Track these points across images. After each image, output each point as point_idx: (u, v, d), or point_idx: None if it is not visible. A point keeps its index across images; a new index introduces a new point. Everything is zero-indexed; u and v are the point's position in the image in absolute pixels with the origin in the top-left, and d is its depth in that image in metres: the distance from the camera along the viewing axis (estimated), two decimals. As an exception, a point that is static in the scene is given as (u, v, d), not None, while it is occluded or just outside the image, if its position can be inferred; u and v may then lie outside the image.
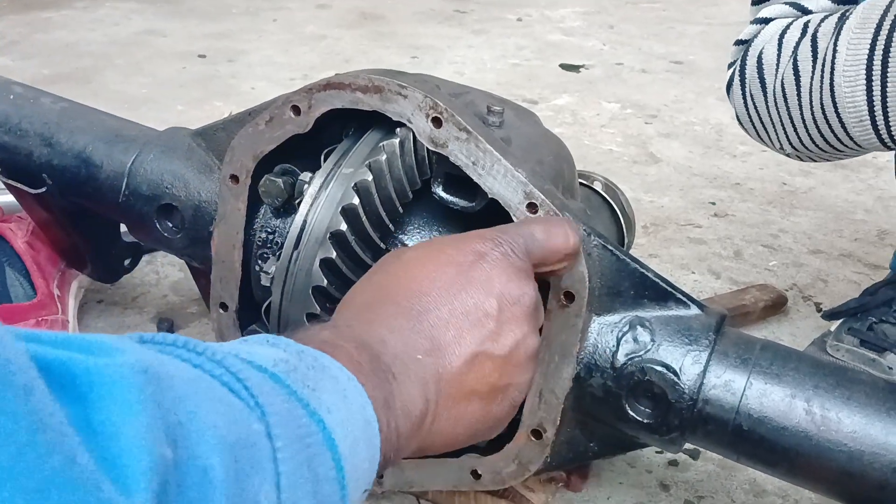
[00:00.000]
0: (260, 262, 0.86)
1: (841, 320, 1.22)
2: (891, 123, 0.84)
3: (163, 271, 1.35)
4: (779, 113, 0.95)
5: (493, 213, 0.76)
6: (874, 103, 0.83)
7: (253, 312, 0.88)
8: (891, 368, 1.13)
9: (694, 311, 0.77)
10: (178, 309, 1.26)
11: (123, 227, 1.07)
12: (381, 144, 0.78)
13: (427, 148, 0.77)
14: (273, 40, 2.66)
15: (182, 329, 1.21)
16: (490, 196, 0.75)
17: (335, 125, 0.83)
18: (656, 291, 0.77)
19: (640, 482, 0.99)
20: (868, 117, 0.85)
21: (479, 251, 0.63)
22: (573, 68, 2.52)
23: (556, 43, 2.76)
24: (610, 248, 0.76)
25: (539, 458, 0.80)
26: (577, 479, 0.96)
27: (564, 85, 2.37)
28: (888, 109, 0.83)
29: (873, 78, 0.83)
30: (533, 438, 0.79)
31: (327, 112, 0.79)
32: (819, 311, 1.34)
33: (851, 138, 0.89)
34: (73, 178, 0.99)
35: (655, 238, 1.55)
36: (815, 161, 1.00)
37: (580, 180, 1.05)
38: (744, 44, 1.01)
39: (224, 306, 0.89)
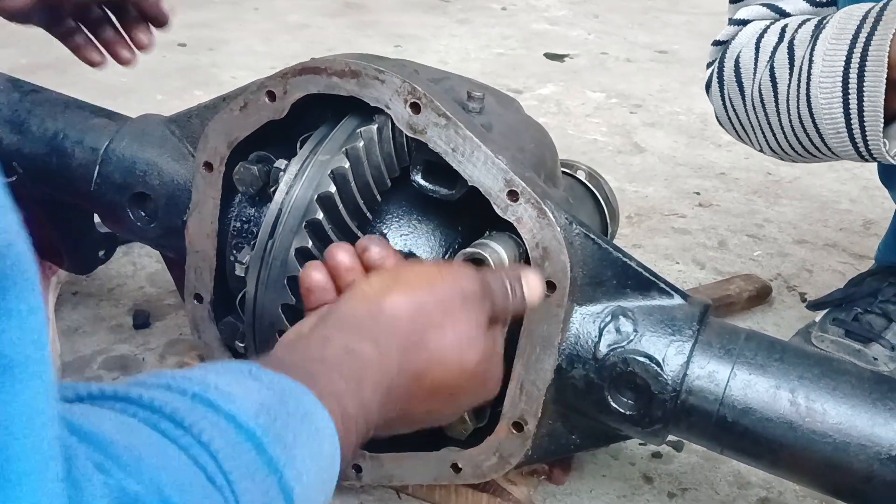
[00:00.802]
0: (235, 251, 0.84)
1: (826, 311, 1.21)
2: (868, 138, 0.81)
3: (139, 262, 1.33)
4: (757, 118, 0.93)
5: (473, 202, 0.75)
6: (851, 116, 0.81)
7: (228, 303, 0.86)
8: (876, 359, 1.12)
9: (677, 300, 0.76)
10: (155, 301, 1.24)
11: (98, 217, 1.04)
12: (358, 131, 0.76)
13: (406, 134, 0.75)
14: (255, 29, 2.62)
15: (159, 321, 1.19)
16: (470, 184, 0.74)
17: (312, 111, 0.81)
18: (639, 281, 0.75)
19: (624, 474, 0.98)
20: (845, 130, 0.82)
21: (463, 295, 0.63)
22: (558, 58, 2.50)
23: (541, 32, 2.74)
24: (592, 237, 0.75)
25: (520, 451, 0.78)
26: (559, 471, 0.95)
27: (549, 74, 2.35)
28: (865, 123, 0.80)
29: (850, 91, 0.80)
30: (514, 431, 0.77)
31: (303, 98, 0.78)
32: (804, 301, 1.33)
33: (829, 148, 0.86)
34: (43, 167, 0.97)
35: (639, 228, 1.54)
36: (797, 162, 0.98)
37: (564, 169, 1.04)
38: (721, 44, 1.00)
39: (199, 297, 0.87)
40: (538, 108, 2.08)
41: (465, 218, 0.81)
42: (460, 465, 0.81)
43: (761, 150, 0.98)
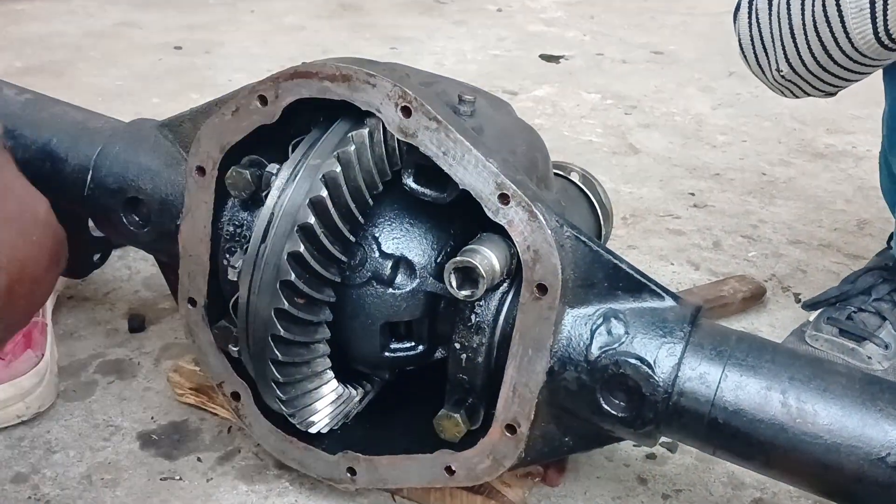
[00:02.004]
0: (227, 255, 0.84)
1: (820, 310, 1.21)
2: (889, 9, 0.84)
3: (135, 266, 1.33)
4: (780, 24, 0.97)
5: (464, 205, 0.75)
6: None
7: (222, 307, 0.86)
8: (870, 358, 1.12)
9: (669, 302, 0.76)
10: (150, 304, 1.24)
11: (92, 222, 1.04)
12: (349, 135, 0.76)
13: (397, 138, 0.75)
14: (251, 31, 2.63)
15: (154, 325, 1.19)
16: (461, 187, 0.74)
17: (303, 115, 0.81)
18: (630, 283, 0.75)
19: (618, 476, 0.98)
20: (868, 4, 0.86)
21: None
22: (554, 59, 2.51)
23: (537, 33, 2.74)
24: (583, 239, 0.75)
25: (513, 454, 0.78)
26: (553, 473, 0.95)
27: (545, 76, 2.36)
28: None
29: None
30: (507, 433, 0.78)
31: (295, 102, 0.78)
32: (798, 301, 1.33)
33: (849, 38, 0.90)
34: (37, 172, 0.96)
35: (634, 229, 1.54)
36: (807, 92, 1.02)
37: (557, 171, 1.04)
38: None
39: (193, 301, 0.87)
40: (534, 110, 2.08)
41: (456, 221, 0.81)
42: (454, 468, 0.81)
43: (778, 70, 1.02)
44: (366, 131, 0.75)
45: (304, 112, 0.79)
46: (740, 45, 1.07)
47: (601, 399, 0.75)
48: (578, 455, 0.98)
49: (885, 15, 0.86)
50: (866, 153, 1.86)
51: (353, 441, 0.87)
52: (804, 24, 0.94)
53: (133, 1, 2.86)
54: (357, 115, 0.77)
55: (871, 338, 1.14)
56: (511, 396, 0.76)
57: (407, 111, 0.74)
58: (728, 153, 1.88)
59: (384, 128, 0.75)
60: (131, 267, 1.33)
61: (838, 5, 0.89)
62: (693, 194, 1.69)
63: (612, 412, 0.75)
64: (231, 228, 0.84)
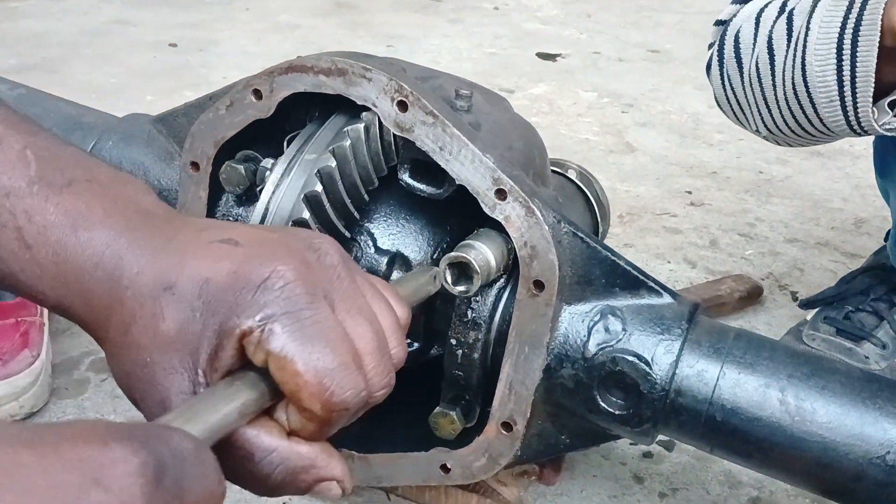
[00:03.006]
0: (222, 252, 0.83)
1: (817, 309, 1.21)
2: (859, 105, 0.81)
3: (129, 263, 1.32)
4: (753, 93, 0.93)
5: (461, 200, 0.74)
6: (844, 83, 0.81)
7: (216, 304, 0.86)
8: (867, 357, 1.12)
9: (666, 299, 0.75)
10: (144, 301, 1.23)
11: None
12: (345, 129, 0.75)
13: (393, 133, 0.75)
14: (246, 29, 2.62)
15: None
16: (458, 182, 0.73)
17: (298, 110, 0.80)
18: (628, 280, 0.75)
19: (614, 474, 0.98)
20: (838, 98, 0.82)
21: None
22: (550, 57, 2.50)
23: (533, 32, 2.74)
24: (580, 235, 0.74)
25: (509, 452, 0.78)
26: (550, 472, 0.95)
27: (541, 74, 2.35)
28: (856, 89, 0.81)
29: (843, 57, 0.80)
30: (503, 431, 0.77)
31: (290, 96, 0.77)
32: (795, 300, 1.33)
33: (822, 120, 0.86)
34: (29, 167, 0.96)
35: (631, 227, 1.54)
36: (792, 146, 0.99)
37: (554, 168, 1.03)
38: (723, 24, 1.00)
39: (186, 298, 0.86)
40: (530, 108, 2.07)
41: (453, 216, 0.80)
42: (450, 466, 0.80)
43: (757, 131, 0.99)
44: (361, 126, 0.75)
45: (299, 106, 0.79)
46: (716, 99, 1.04)
47: (598, 397, 0.74)
48: (575, 453, 0.97)
49: (855, 112, 0.82)
50: (863, 152, 1.86)
51: (348, 439, 0.86)
52: (777, 100, 0.90)
53: (128, -2, 2.85)
54: (353, 110, 0.76)
55: (869, 337, 1.13)
56: (507, 394, 0.76)
57: (403, 105, 0.73)
58: (725, 151, 1.87)
59: (380, 122, 0.75)
60: (125, 264, 1.32)
61: (808, 94, 0.85)
62: (690, 192, 1.68)
63: (610, 410, 0.74)
64: (225, 224, 0.83)
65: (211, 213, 0.83)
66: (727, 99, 1.00)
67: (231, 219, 0.83)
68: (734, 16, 0.98)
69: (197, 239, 0.48)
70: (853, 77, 0.80)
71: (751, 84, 0.93)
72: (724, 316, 1.27)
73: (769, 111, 0.92)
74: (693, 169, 1.79)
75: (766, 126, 0.95)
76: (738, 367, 0.72)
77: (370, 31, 2.65)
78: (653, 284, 0.75)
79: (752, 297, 1.31)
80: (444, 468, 0.80)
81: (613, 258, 0.75)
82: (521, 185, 0.72)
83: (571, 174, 1.06)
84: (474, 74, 2.27)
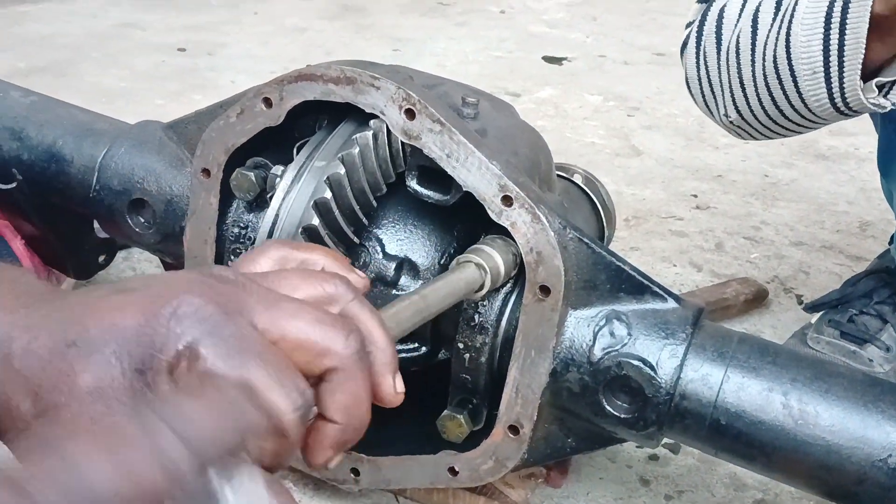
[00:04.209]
0: (233, 257, 0.84)
1: (822, 312, 1.21)
2: (844, 77, 0.77)
3: (139, 267, 1.33)
4: (728, 72, 0.89)
5: (467, 206, 0.75)
6: (830, 53, 0.77)
7: (226, 308, 0.87)
8: (871, 360, 1.13)
9: (671, 304, 0.76)
10: (154, 305, 1.24)
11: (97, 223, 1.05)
12: (354, 137, 0.76)
13: (401, 140, 0.76)
14: (253, 33, 2.63)
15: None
16: (464, 189, 0.74)
17: (308, 117, 0.81)
18: (633, 285, 0.76)
19: (621, 477, 0.98)
20: (822, 69, 0.78)
21: None
22: (556, 60, 2.51)
23: (539, 35, 2.75)
24: (586, 241, 0.75)
25: (516, 455, 0.79)
26: (556, 474, 0.96)
27: (547, 77, 2.36)
28: (844, 61, 0.76)
29: (832, 25, 0.76)
30: (510, 434, 0.78)
31: (300, 104, 0.78)
32: (800, 303, 1.33)
33: (801, 96, 0.82)
34: (42, 173, 0.97)
35: (637, 231, 1.54)
36: (755, 138, 0.94)
37: (560, 173, 1.04)
38: (706, 2, 0.98)
39: (197, 302, 0.87)
40: (536, 111, 2.08)
41: (459, 222, 0.81)
42: (457, 469, 0.81)
43: (726, 116, 0.94)
44: (370, 133, 0.76)
45: (308, 114, 0.80)
46: (687, 82, 1.00)
47: (604, 400, 0.75)
48: (581, 456, 0.98)
49: (840, 84, 0.78)
50: (868, 155, 1.86)
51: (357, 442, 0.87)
52: (754, 78, 0.86)
53: (136, 2, 2.86)
54: (361, 118, 0.77)
55: (873, 340, 1.14)
56: (514, 397, 0.77)
57: (411, 113, 0.74)
58: (730, 155, 1.88)
59: (388, 130, 0.76)
60: (136, 268, 1.33)
61: (790, 66, 0.81)
62: (695, 196, 1.69)
63: (615, 413, 0.75)
64: (236, 230, 0.85)
65: (222, 218, 0.84)
66: (699, 79, 0.96)
67: (242, 224, 0.84)
68: None
69: (87, 297, 0.46)
70: (841, 46, 0.76)
71: (727, 61, 0.89)
72: (730, 319, 1.27)
73: (743, 91, 0.88)
74: (699, 172, 1.80)
75: (737, 109, 0.91)
76: (742, 371, 0.73)
77: (377, 34, 2.67)
78: (657, 289, 0.76)
79: (757, 300, 1.32)
80: (452, 471, 0.81)
81: (618, 263, 0.76)
82: (526, 192, 0.73)
83: (577, 179, 1.07)
84: (480, 77, 2.28)
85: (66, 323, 0.44)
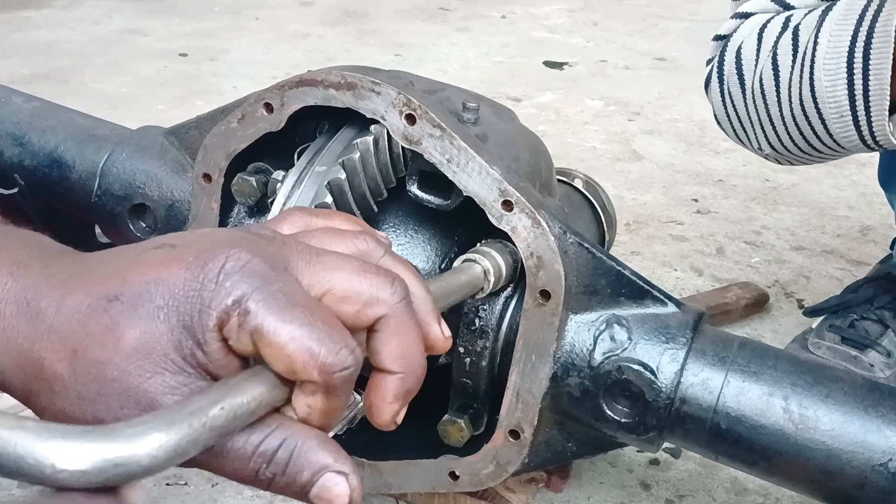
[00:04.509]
0: (233, 262, 0.84)
1: (823, 317, 1.21)
2: (872, 119, 0.79)
3: (140, 272, 1.34)
4: (757, 111, 0.91)
5: (468, 211, 0.76)
6: (856, 97, 0.79)
7: (227, 313, 0.87)
8: (872, 366, 1.13)
9: (671, 308, 0.76)
10: (156, 310, 1.24)
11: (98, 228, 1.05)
12: (354, 142, 0.76)
13: (401, 145, 0.76)
14: (255, 38, 2.64)
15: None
16: (465, 194, 0.74)
17: (309, 122, 0.82)
18: (633, 289, 0.76)
19: (621, 482, 0.98)
20: (849, 112, 0.80)
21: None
22: (557, 65, 2.51)
23: (541, 40, 2.75)
24: (586, 245, 0.75)
25: (517, 459, 0.79)
26: (557, 479, 0.96)
27: (548, 82, 2.36)
28: (870, 104, 0.78)
29: (854, 70, 0.78)
30: (511, 439, 0.78)
31: (301, 109, 0.78)
32: (801, 307, 1.34)
33: (831, 136, 0.84)
34: (44, 179, 0.97)
35: (638, 235, 1.55)
36: (794, 164, 0.97)
37: (561, 178, 1.04)
38: (723, 39, 0.99)
39: (198, 307, 0.87)
40: (537, 116, 2.09)
41: (460, 227, 0.81)
42: (458, 473, 0.81)
43: (760, 150, 0.96)
44: (370, 138, 0.76)
45: (309, 119, 0.80)
46: (715, 116, 1.01)
47: (604, 405, 0.75)
48: (582, 460, 0.98)
49: (869, 126, 0.79)
50: (869, 160, 1.86)
51: (358, 446, 0.87)
52: (783, 117, 0.87)
53: (138, 8, 2.87)
54: (362, 123, 0.78)
55: (874, 346, 1.14)
56: (514, 402, 0.77)
57: (411, 119, 0.74)
58: (731, 159, 1.88)
59: (389, 135, 0.76)
60: (137, 273, 1.33)
61: (817, 109, 0.82)
62: (696, 200, 1.69)
63: (616, 418, 0.75)
64: (237, 235, 0.85)
65: (223, 223, 0.85)
66: (727, 116, 0.98)
67: (242, 229, 0.85)
68: (735, 31, 0.97)
69: (124, 254, 0.45)
70: (866, 91, 0.78)
71: (754, 101, 0.91)
72: (731, 323, 1.28)
73: (774, 128, 0.90)
74: (699, 177, 1.80)
75: (769, 144, 0.93)
76: (743, 376, 0.73)
77: (379, 40, 2.67)
78: (658, 294, 0.76)
79: (758, 304, 1.32)
80: (453, 475, 0.81)
81: (619, 268, 0.76)
82: (527, 197, 0.73)
83: (578, 183, 1.07)
84: (482, 83, 2.28)
85: (104, 277, 0.42)
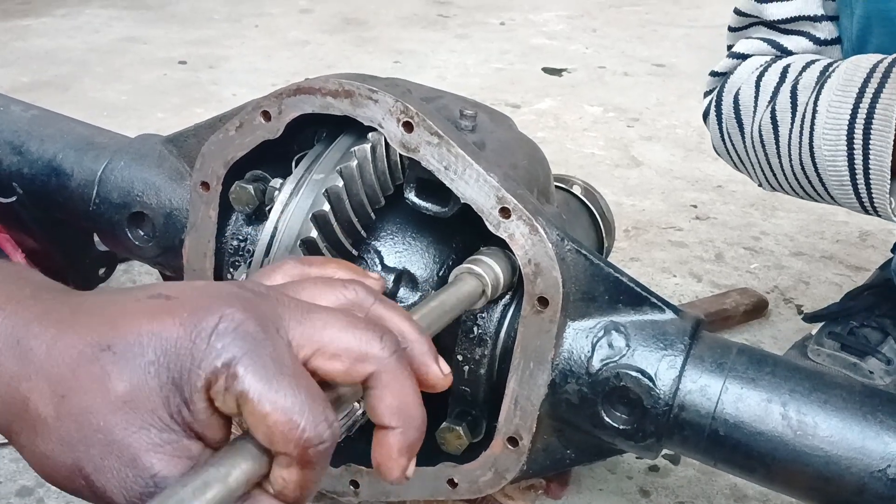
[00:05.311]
0: (231, 270, 0.85)
1: (822, 324, 1.21)
2: (874, 197, 0.79)
3: (140, 280, 1.34)
4: (756, 155, 0.91)
5: (466, 218, 0.76)
6: (856, 173, 0.79)
7: (226, 321, 0.87)
8: (871, 373, 1.12)
9: (669, 315, 0.76)
10: (155, 318, 1.24)
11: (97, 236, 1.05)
12: (352, 150, 0.77)
13: (399, 153, 0.76)
14: (255, 46, 2.64)
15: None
16: (463, 201, 0.75)
17: (307, 130, 0.82)
18: (631, 296, 0.76)
19: (621, 488, 0.98)
20: (850, 184, 0.80)
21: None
22: (556, 72, 2.52)
23: (539, 47, 2.76)
24: (584, 252, 0.76)
25: (515, 466, 0.79)
26: (556, 486, 0.96)
27: (547, 89, 2.37)
28: (871, 182, 0.78)
29: (855, 148, 0.78)
30: (509, 446, 0.78)
31: (298, 117, 0.78)
32: (800, 313, 1.33)
33: (832, 197, 0.84)
34: (43, 187, 0.98)
35: (637, 242, 1.55)
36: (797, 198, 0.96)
37: (559, 184, 1.05)
38: (720, 76, 0.99)
39: (196, 315, 0.87)
40: (536, 123, 2.09)
41: (458, 234, 0.82)
42: (456, 481, 0.81)
43: (760, 185, 0.97)
44: (368, 146, 0.76)
45: (307, 127, 0.80)
46: (714, 149, 1.01)
47: (602, 412, 0.75)
48: (581, 467, 0.98)
49: (870, 198, 0.79)
50: (868, 165, 1.86)
51: (357, 454, 0.87)
52: (783, 169, 0.87)
53: (138, 17, 2.88)
54: (360, 131, 0.78)
55: (874, 353, 1.14)
56: (513, 409, 0.77)
57: (409, 126, 0.74)
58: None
59: (386, 143, 0.76)
60: (135, 281, 1.34)
61: (818, 174, 0.82)
62: (695, 206, 1.69)
63: (614, 425, 0.75)
64: (235, 243, 0.85)
65: (221, 231, 0.85)
66: (726, 150, 0.99)
67: (241, 237, 0.85)
68: (731, 71, 0.97)
69: (118, 299, 0.45)
70: (866, 169, 0.78)
71: (753, 147, 0.91)
72: (730, 329, 1.28)
73: (774, 175, 0.90)
74: (698, 183, 1.80)
75: (769, 184, 0.93)
76: (741, 382, 0.73)
77: (378, 47, 2.68)
78: (656, 300, 0.76)
79: (757, 310, 1.32)
80: (451, 483, 0.81)
81: (616, 275, 0.76)
82: (525, 204, 0.73)
83: (576, 190, 1.08)
84: (481, 89, 2.29)
85: (97, 324, 0.43)
